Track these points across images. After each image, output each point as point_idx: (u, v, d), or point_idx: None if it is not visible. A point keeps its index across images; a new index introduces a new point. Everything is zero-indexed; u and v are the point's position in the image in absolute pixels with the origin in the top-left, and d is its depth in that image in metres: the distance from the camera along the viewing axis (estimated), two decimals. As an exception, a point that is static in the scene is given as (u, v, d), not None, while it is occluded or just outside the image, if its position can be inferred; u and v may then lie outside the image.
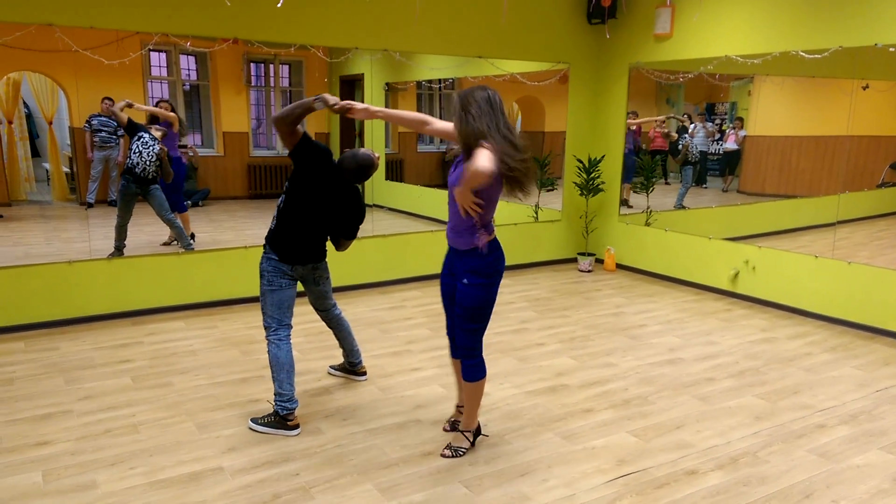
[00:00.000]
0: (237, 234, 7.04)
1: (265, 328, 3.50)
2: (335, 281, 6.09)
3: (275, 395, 3.43)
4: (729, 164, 9.21)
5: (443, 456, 3.21)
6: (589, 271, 7.09)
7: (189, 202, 8.02)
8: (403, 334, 4.97)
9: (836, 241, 5.84)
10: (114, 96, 8.10)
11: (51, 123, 8.21)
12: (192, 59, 9.28)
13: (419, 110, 9.68)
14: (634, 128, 8.89)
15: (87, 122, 7.84)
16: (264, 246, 3.53)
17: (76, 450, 3.20)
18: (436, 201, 8.51)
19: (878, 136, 8.16)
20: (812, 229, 6.92)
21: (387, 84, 8.49)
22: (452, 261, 3.16)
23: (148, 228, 7.37)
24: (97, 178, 8.04)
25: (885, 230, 7.90)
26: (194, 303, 5.48)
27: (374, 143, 8.35)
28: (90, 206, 7.91)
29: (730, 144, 9.18)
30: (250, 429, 3.42)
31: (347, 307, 5.62)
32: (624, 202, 7.55)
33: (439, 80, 9.26)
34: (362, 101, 8.46)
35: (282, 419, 3.40)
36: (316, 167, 3.43)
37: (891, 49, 5.02)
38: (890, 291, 5.03)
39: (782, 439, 3.45)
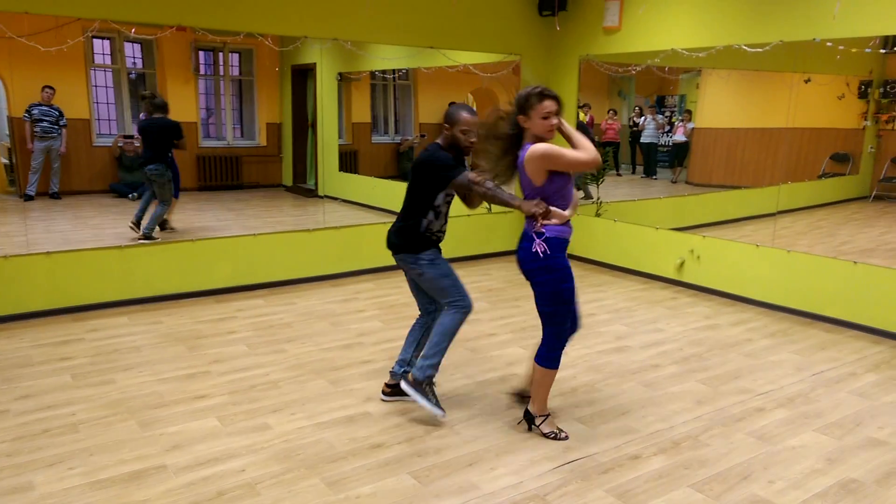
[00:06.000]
0: (186, 227, 6.90)
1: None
2: (286, 273, 6.04)
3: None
4: (678, 156, 9.41)
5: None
6: (541, 262, 7.15)
7: (135, 194, 7.81)
8: (355, 327, 4.95)
9: (778, 230, 6.03)
10: (54, 84, 7.84)
11: (-13, 113, 7.89)
12: (137, 46, 9.02)
13: (373, 101, 9.61)
14: (587, 120, 9.00)
15: (27, 111, 7.57)
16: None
17: (12, 451, 3.10)
18: (390, 193, 8.47)
19: (819, 128, 8.44)
20: (755, 219, 7.13)
21: (339, 74, 8.40)
22: None
23: (92, 222, 7.17)
24: (38, 169, 7.77)
25: (825, 219, 8.19)
26: (138, 297, 5.34)
27: (327, 133, 8.28)
28: (30, 198, 7.65)
29: (678, 136, 9.38)
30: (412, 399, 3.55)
31: (299, 300, 5.57)
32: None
33: (393, 70, 9.21)
34: (315, 92, 8.34)
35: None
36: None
37: (828, 44, 5.18)
38: (827, 279, 5.22)
39: (722, 423, 3.55)
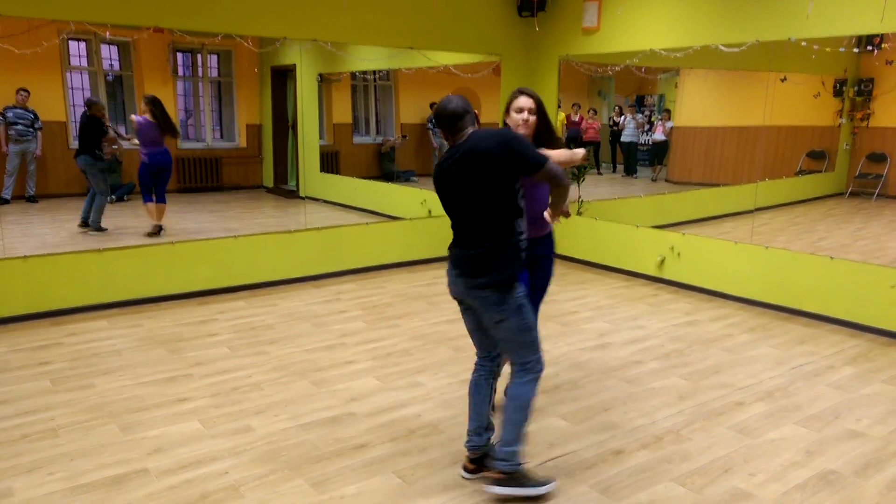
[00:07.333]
0: (165, 229, 6.83)
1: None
2: (267, 275, 6.00)
3: None
4: (657, 155, 9.50)
5: None
6: (523, 261, 7.17)
7: (113, 197, 7.73)
8: (338, 328, 4.93)
9: (756, 226, 6.10)
10: (30, 87, 7.73)
11: (-40, 116, 7.77)
12: (114, 48, 8.92)
13: (354, 101, 9.59)
14: (577, 119, 9.06)
15: (2, 114, 7.47)
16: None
17: (-11, 457, 3.05)
18: (372, 193, 8.45)
19: (795, 126, 8.56)
20: (734, 216, 7.21)
21: (320, 75, 8.37)
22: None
23: (69, 225, 7.07)
24: (13, 172, 7.67)
25: (802, 216, 8.31)
26: (118, 301, 5.28)
27: (308, 134, 8.24)
28: (6, 202, 7.53)
29: (658, 135, 9.47)
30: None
31: (281, 302, 5.54)
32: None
33: (374, 71, 9.20)
34: (295, 93, 8.29)
35: None
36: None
37: (803, 43, 5.25)
38: (805, 274, 5.29)
39: (704, 417, 3.59)
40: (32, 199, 7.88)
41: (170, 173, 6.97)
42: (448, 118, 2.72)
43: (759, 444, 3.31)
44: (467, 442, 2.98)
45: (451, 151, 2.75)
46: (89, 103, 6.94)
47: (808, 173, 8.78)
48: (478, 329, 2.93)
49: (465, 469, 3.00)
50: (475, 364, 3.01)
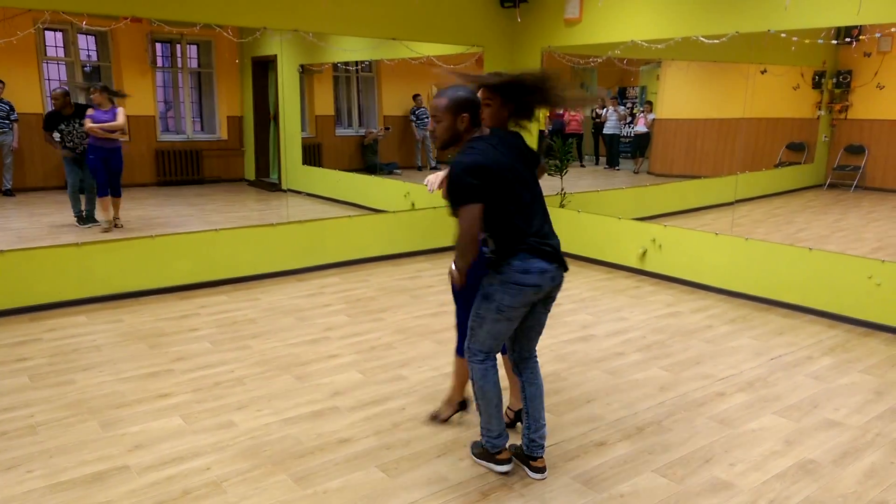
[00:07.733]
0: (145, 223, 6.77)
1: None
2: (249, 269, 5.97)
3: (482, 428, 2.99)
4: (639, 147, 9.55)
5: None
6: (507, 253, 7.18)
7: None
8: (321, 321, 4.92)
9: (736, 218, 6.16)
10: (4, 78, 7.60)
11: (-67, 107, 7.64)
12: (91, 38, 8.79)
13: (336, 93, 9.53)
14: (560, 111, 9.08)
15: (-25, 105, 7.35)
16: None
17: (-34, 456, 3.01)
18: (355, 186, 8.41)
19: (775, 118, 8.64)
20: (715, 208, 7.28)
21: (301, 66, 8.31)
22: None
23: (48, 219, 6.98)
24: (-11, 165, 7.55)
25: (782, 207, 8.41)
26: (98, 296, 5.22)
27: (290, 126, 8.18)
28: (-19, 195, 7.42)
29: (640, 127, 9.52)
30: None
31: (263, 296, 5.51)
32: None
33: (356, 62, 9.14)
34: (276, 84, 8.20)
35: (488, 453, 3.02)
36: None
37: (782, 35, 5.29)
38: (784, 265, 5.35)
39: (685, 408, 3.62)
40: (9, 193, 7.77)
41: (90, 166, 6.66)
42: (479, 107, 2.81)
43: (739, 434, 3.35)
44: (505, 440, 2.97)
45: (491, 141, 2.75)
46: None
47: (788, 165, 8.88)
48: (516, 327, 2.95)
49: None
50: (490, 365, 2.90)
